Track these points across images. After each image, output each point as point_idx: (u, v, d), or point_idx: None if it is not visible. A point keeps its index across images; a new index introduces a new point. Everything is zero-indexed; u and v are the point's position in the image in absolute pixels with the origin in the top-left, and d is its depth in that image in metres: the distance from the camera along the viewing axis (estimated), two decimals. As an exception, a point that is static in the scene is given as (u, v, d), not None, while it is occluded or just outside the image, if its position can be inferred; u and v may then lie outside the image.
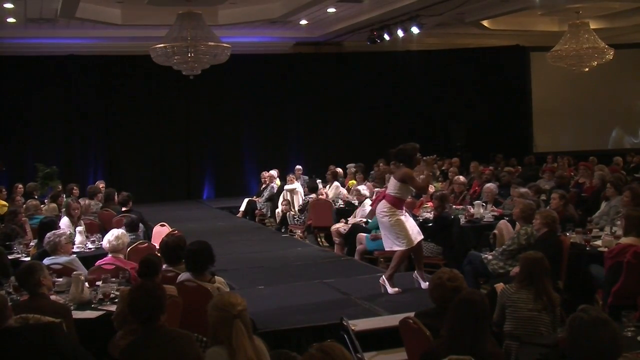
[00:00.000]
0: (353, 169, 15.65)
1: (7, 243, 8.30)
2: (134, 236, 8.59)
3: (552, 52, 14.68)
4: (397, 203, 7.49)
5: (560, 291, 6.24)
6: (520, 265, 5.43)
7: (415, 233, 7.55)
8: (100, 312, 5.55)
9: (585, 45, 14.13)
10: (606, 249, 7.06)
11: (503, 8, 15.72)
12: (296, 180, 14.66)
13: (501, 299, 5.18)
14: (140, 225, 9.62)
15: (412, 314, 4.75)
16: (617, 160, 15.00)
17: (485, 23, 17.64)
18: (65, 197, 11.87)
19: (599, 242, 7.73)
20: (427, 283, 7.28)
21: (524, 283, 5.14)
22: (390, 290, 7.46)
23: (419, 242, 7.65)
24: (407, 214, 7.73)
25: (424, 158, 7.88)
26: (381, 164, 16.55)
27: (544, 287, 5.06)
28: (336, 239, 11.21)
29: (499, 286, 5.55)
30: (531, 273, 5.13)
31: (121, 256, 6.91)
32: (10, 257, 7.75)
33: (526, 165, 16.68)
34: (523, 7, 15.64)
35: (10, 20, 14.84)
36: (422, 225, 9.90)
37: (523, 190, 9.87)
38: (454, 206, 10.87)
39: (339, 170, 15.33)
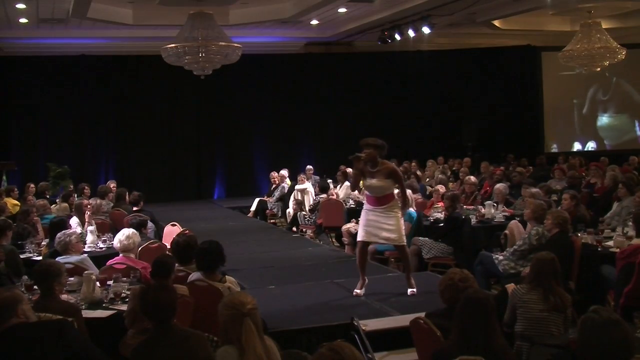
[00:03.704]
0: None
1: (20, 242, 8.33)
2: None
3: (564, 52, 14.61)
4: (366, 198, 7.41)
5: (571, 292, 6.22)
6: (530, 266, 5.41)
7: (365, 232, 7.23)
8: (112, 312, 5.55)
9: (597, 45, 14.06)
10: (618, 250, 7.04)
11: (514, 8, 15.67)
12: (307, 180, 14.65)
13: (512, 300, 5.16)
14: (151, 224, 9.63)
15: (422, 314, 4.74)
16: (632, 160, 14.86)
17: (496, 23, 17.59)
18: (77, 197, 11.92)
19: (610, 243, 7.70)
20: (414, 290, 7.24)
21: (533, 284, 5.12)
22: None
23: (401, 247, 7.39)
24: (383, 211, 7.17)
25: (353, 155, 7.17)
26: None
27: (551, 288, 5.03)
28: (347, 239, 11.21)
29: (510, 286, 5.53)
30: (539, 273, 5.12)
31: (132, 256, 6.92)
32: (22, 256, 7.79)
33: (537, 166, 16.61)
34: (534, 7, 15.58)
35: (22, 20, 14.92)
36: (433, 225, 9.95)
37: (534, 190, 9.85)
38: (465, 206, 10.85)
39: (350, 170, 15.28)
